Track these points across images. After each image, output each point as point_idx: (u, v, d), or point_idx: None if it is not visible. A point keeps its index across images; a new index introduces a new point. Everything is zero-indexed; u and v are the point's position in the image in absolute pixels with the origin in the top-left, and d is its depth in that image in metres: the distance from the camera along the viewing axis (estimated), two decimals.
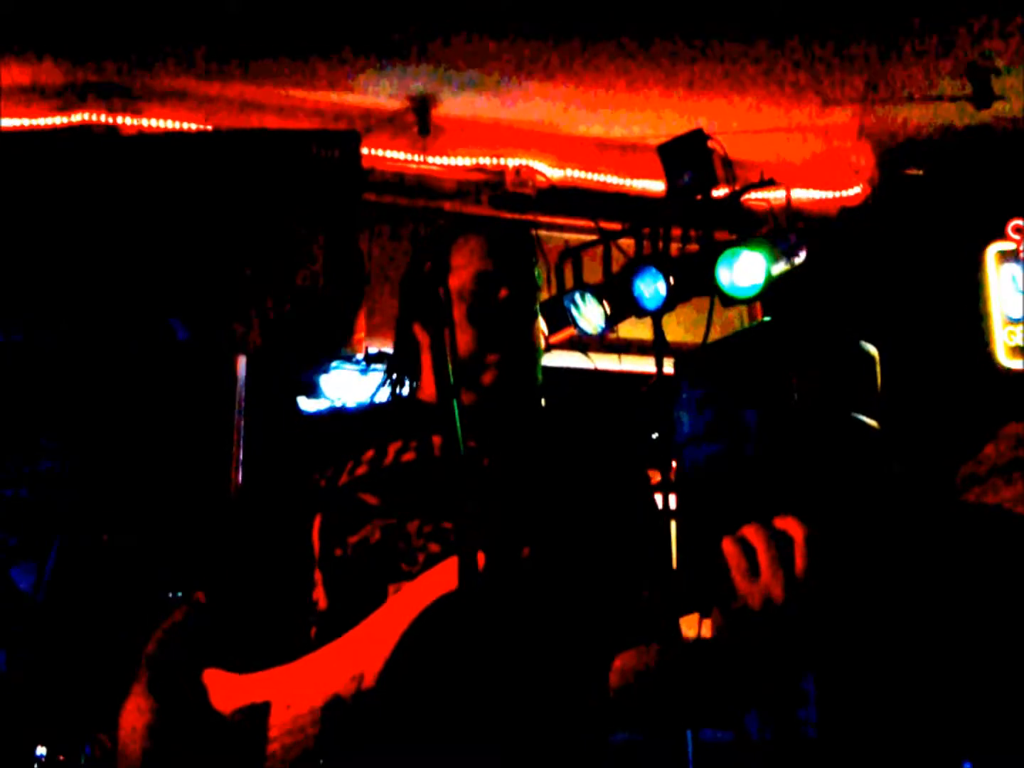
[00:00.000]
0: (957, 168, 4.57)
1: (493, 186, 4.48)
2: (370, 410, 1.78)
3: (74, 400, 3.88)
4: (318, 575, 1.55)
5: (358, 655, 1.46)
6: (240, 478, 4.08)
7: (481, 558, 1.39)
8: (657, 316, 3.64)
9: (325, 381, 4.29)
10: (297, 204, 4.16)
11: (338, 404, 1.81)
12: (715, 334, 3.72)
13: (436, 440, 1.61)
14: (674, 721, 1.79)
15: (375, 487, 1.58)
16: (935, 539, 1.18)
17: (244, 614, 1.59)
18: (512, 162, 4.50)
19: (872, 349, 3.57)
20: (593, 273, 4.13)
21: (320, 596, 1.55)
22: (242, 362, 4.15)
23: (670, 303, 3.52)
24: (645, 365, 4.06)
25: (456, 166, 4.47)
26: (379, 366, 4.24)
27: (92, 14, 3.88)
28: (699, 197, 3.67)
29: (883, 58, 4.28)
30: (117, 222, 3.99)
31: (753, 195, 3.93)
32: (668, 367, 3.72)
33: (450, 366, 1.38)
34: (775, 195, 3.98)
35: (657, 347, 3.63)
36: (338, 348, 4.16)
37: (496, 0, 3.82)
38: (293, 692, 1.47)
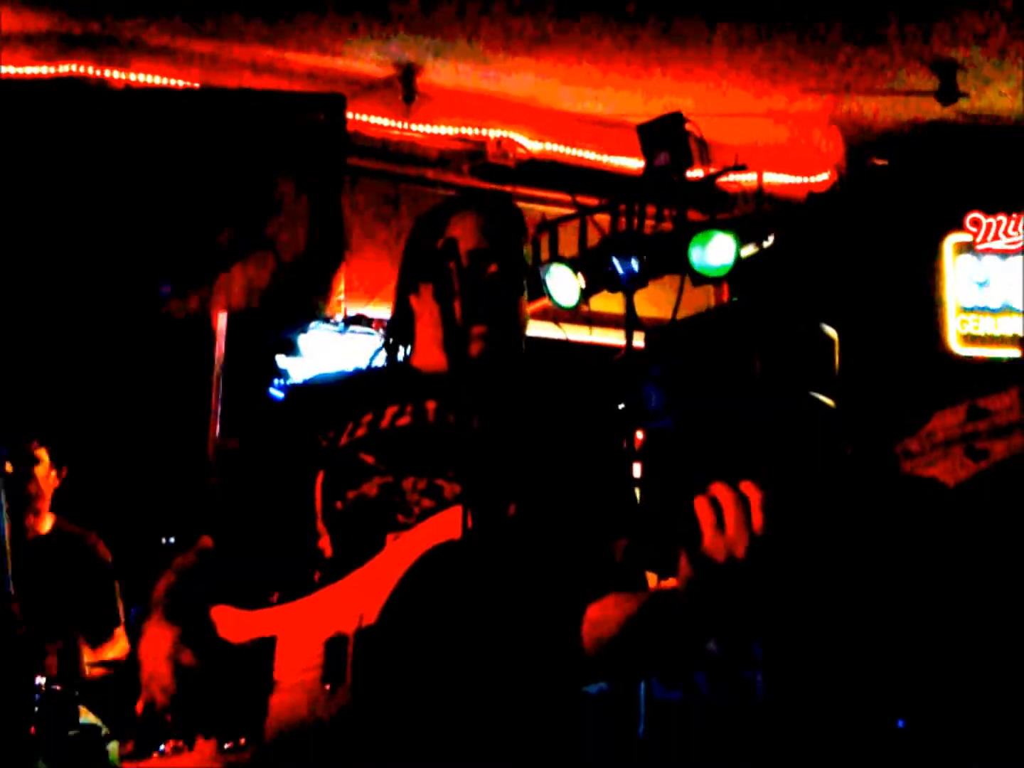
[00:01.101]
0: (921, 160, 4.74)
1: (474, 156, 4.58)
2: (367, 375, 1.90)
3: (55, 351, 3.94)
4: (321, 525, 1.68)
5: (360, 595, 1.60)
6: (219, 432, 4.19)
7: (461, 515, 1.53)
8: (629, 292, 3.78)
9: (303, 341, 4.38)
10: (281, 165, 4.24)
11: (338, 370, 1.91)
12: (684, 313, 3.88)
13: (430, 405, 1.74)
14: (644, 669, 1.93)
15: (373, 447, 1.69)
16: (874, 508, 1.33)
17: (252, 559, 1.72)
18: (493, 133, 4.60)
19: (832, 332, 3.74)
20: (568, 247, 4.26)
21: (325, 544, 1.68)
22: (222, 319, 4.23)
23: (643, 279, 3.66)
24: (615, 338, 4.21)
25: (438, 134, 4.56)
26: (357, 328, 4.34)
27: None
28: (675, 177, 3.81)
29: (856, 52, 4.43)
30: (102, 175, 4.04)
31: (726, 177, 4.08)
32: (638, 341, 3.87)
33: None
34: (747, 178, 4.13)
35: (628, 322, 3.78)
36: (317, 309, 4.26)
37: None
38: (299, 627, 1.60)
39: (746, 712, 3.70)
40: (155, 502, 3.98)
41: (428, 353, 1.79)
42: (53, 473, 3.31)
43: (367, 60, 4.31)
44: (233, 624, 1.64)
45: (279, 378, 4.40)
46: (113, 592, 3.39)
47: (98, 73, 4.14)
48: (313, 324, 4.34)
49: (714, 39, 4.31)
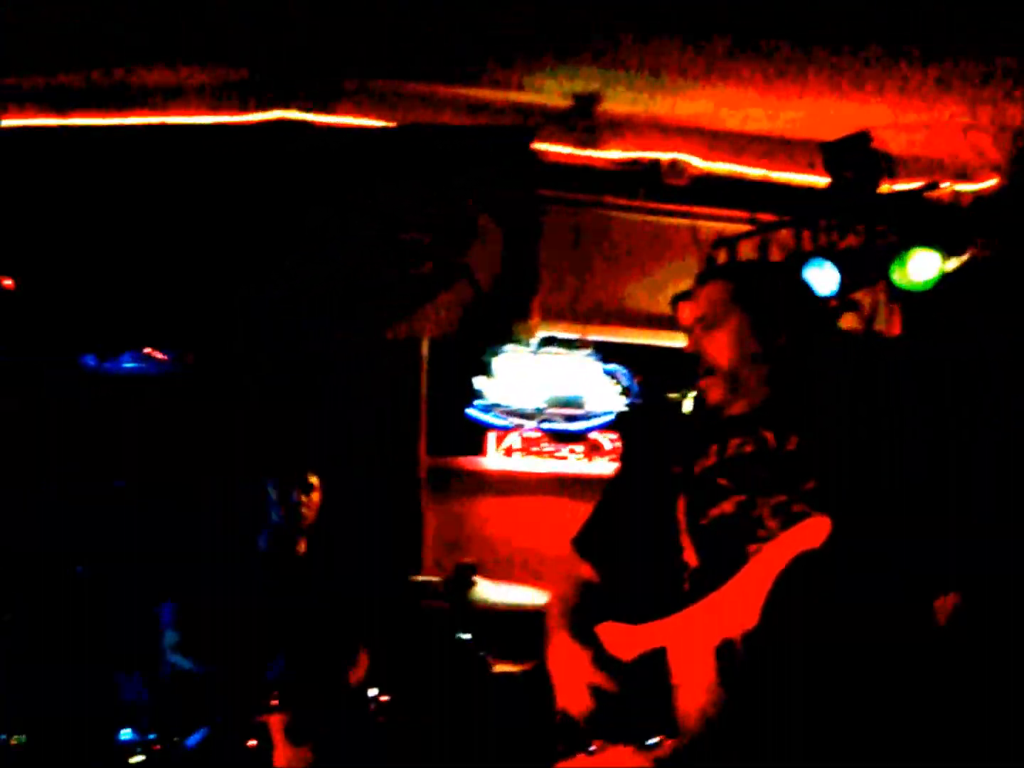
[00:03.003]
0: None
1: (648, 178, 4.74)
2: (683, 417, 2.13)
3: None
4: (686, 541, 1.88)
5: (739, 603, 1.78)
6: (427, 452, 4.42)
7: (827, 524, 1.72)
8: None
9: (498, 363, 4.61)
10: (476, 196, 4.47)
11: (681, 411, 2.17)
12: None
13: (768, 435, 1.93)
14: None
15: (725, 472, 1.90)
16: None
17: (627, 578, 1.93)
18: (666, 156, 4.76)
19: None
20: None
21: (690, 557, 1.87)
22: (426, 345, 4.48)
23: (841, 294, 3.79)
24: None
25: (614, 159, 4.74)
26: (550, 349, 4.56)
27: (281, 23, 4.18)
28: (865, 193, 3.92)
29: (1019, 61, 4.47)
30: (315, 214, 4.32)
31: (903, 186, 4.17)
32: None
33: None
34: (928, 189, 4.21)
35: None
36: (513, 332, 4.48)
37: (660, 7, 4.08)
38: (687, 636, 1.79)
39: None
40: (379, 520, 4.24)
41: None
42: (318, 498, 3.55)
43: (549, 92, 4.52)
44: (621, 639, 1.84)
45: (478, 399, 4.63)
46: (359, 608, 3.60)
47: (302, 117, 4.42)
48: (509, 346, 4.56)
49: (883, 58, 4.41)
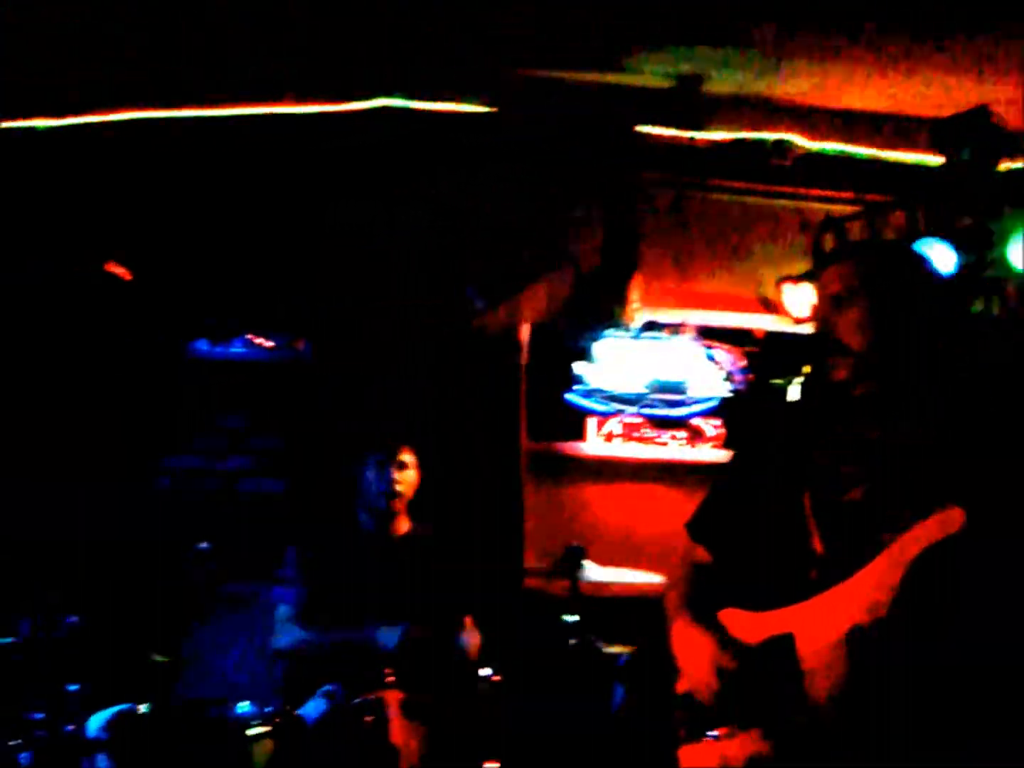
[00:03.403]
0: None
1: (753, 159, 4.66)
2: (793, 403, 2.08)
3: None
4: (813, 528, 1.84)
5: (869, 591, 1.74)
6: (527, 437, 4.44)
7: (960, 516, 1.67)
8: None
9: (598, 348, 4.59)
10: (576, 182, 4.46)
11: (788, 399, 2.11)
12: None
13: (896, 419, 1.87)
14: None
15: (852, 458, 1.85)
16: None
17: (748, 564, 1.90)
18: (771, 136, 4.67)
19: None
20: None
21: (817, 545, 1.84)
22: (525, 330, 4.49)
23: (967, 275, 3.67)
24: None
25: (718, 140, 4.66)
26: (650, 334, 4.53)
27: None
28: (984, 171, 3.78)
29: None
30: (410, 200, 4.37)
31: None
32: None
33: None
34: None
35: None
36: (614, 317, 4.46)
37: None
38: (815, 623, 1.76)
39: None
40: (481, 504, 4.28)
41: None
42: (416, 476, 3.60)
43: (651, 74, 4.46)
44: (746, 625, 1.82)
45: (577, 384, 4.62)
46: (465, 589, 3.65)
47: (406, 104, 4.46)
48: (608, 332, 4.54)
49: (1001, 32, 4.24)
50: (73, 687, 2.83)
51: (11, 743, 2.83)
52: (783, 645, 1.75)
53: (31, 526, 3.76)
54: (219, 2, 4.03)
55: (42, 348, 4.44)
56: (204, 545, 3.11)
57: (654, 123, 4.58)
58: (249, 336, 4.70)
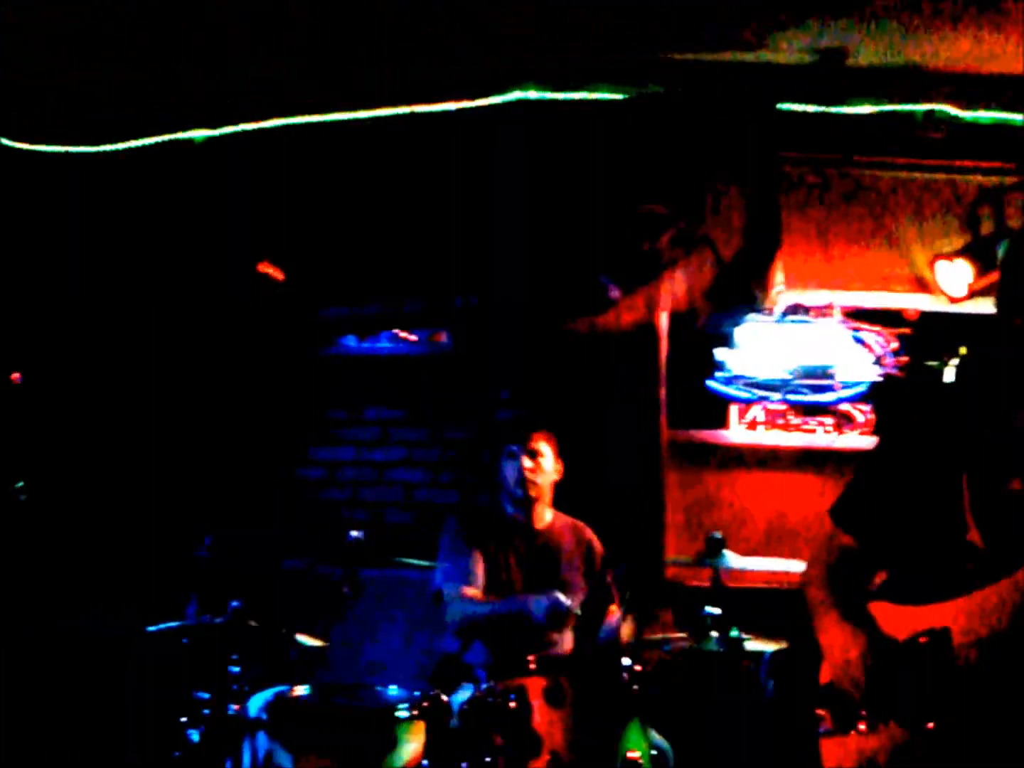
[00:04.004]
0: None
1: (901, 132, 4.46)
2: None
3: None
4: (970, 519, 1.76)
5: None
6: (667, 425, 4.41)
7: None
8: None
9: (739, 332, 4.50)
10: (714, 164, 4.37)
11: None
12: None
13: None
14: None
15: (1012, 448, 1.76)
16: None
17: (898, 554, 1.84)
18: (920, 108, 4.46)
19: None
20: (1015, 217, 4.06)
21: (975, 537, 1.75)
22: (664, 317, 4.45)
23: None
24: None
25: (863, 114, 4.49)
26: (794, 317, 4.40)
27: None
28: None
29: None
30: (547, 189, 4.39)
31: None
32: None
33: None
34: None
35: None
36: (756, 301, 4.36)
37: None
38: (972, 621, 1.67)
39: None
40: (621, 493, 4.28)
41: None
42: (557, 466, 3.63)
43: (791, 50, 4.33)
44: (897, 618, 1.76)
45: (719, 371, 4.54)
46: (605, 577, 3.66)
47: (540, 96, 4.48)
48: (749, 316, 4.45)
49: None
50: (235, 669, 2.99)
51: (182, 720, 3.02)
52: (939, 640, 1.68)
53: (194, 519, 3.99)
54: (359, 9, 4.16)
55: (204, 352, 4.70)
56: (357, 534, 3.22)
57: (796, 100, 4.44)
58: (395, 331, 4.84)
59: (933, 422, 1.88)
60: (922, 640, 1.68)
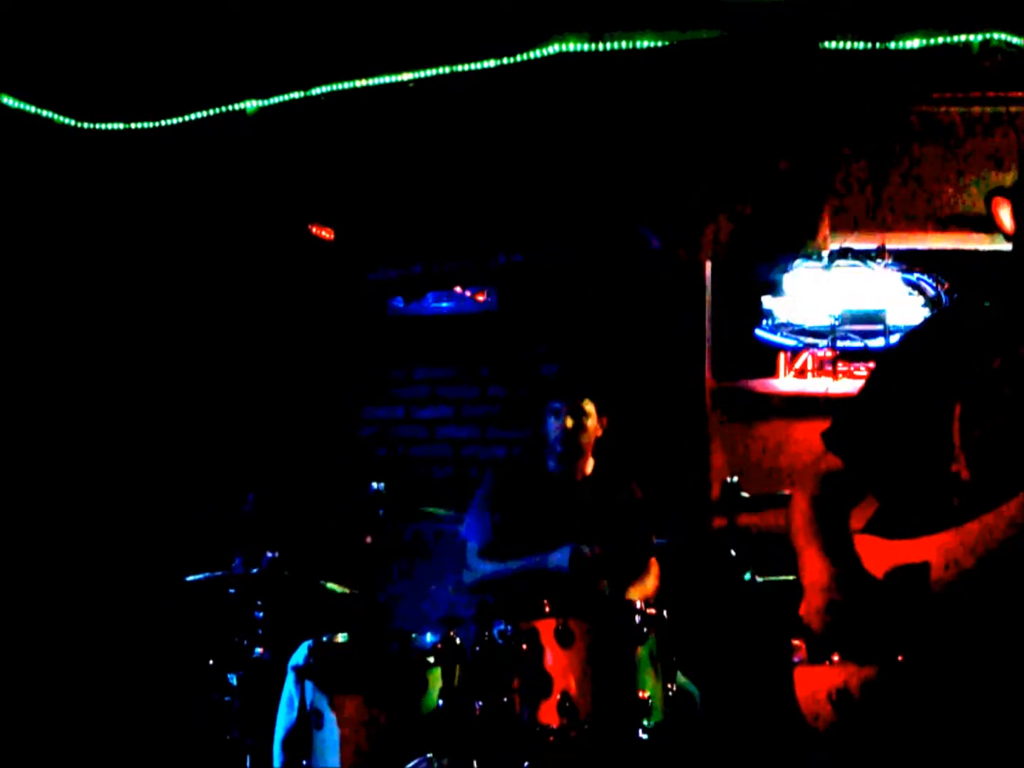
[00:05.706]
0: None
1: (956, 64, 4.27)
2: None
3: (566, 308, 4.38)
4: (959, 451, 1.71)
5: (1015, 526, 1.60)
6: (711, 375, 4.36)
7: None
8: None
9: (787, 280, 4.41)
10: (759, 107, 4.27)
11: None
12: None
13: None
14: None
15: (1011, 382, 1.72)
16: None
17: (886, 482, 1.80)
18: (977, 36, 4.26)
19: None
20: None
21: (961, 468, 1.70)
22: (708, 265, 4.38)
23: None
24: None
25: (913, 50, 4.32)
26: (843, 262, 4.29)
27: None
28: None
29: None
30: (596, 146, 4.35)
31: None
32: None
33: None
34: None
35: None
36: (804, 247, 4.26)
37: None
38: (956, 555, 1.63)
39: None
40: (665, 445, 4.26)
41: None
42: (598, 423, 3.65)
43: None
44: (878, 553, 1.73)
45: (765, 319, 4.46)
46: (646, 527, 3.67)
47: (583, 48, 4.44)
48: (798, 262, 4.35)
49: None
50: (264, 616, 3.10)
51: (222, 664, 3.14)
52: (915, 575, 1.65)
53: (246, 477, 4.12)
54: None
55: (260, 314, 4.83)
56: (379, 486, 3.29)
57: (841, 38, 4.30)
58: (449, 290, 4.88)
59: (934, 349, 1.83)
60: (898, 576, 1.65)
